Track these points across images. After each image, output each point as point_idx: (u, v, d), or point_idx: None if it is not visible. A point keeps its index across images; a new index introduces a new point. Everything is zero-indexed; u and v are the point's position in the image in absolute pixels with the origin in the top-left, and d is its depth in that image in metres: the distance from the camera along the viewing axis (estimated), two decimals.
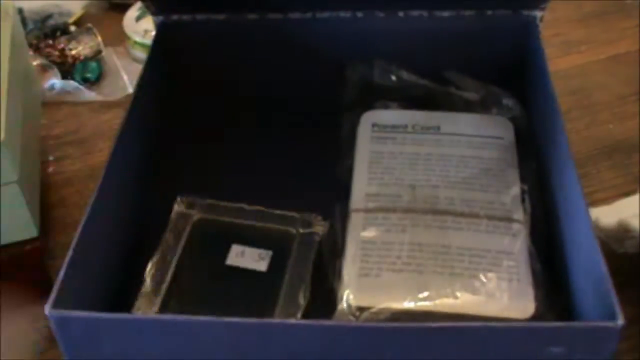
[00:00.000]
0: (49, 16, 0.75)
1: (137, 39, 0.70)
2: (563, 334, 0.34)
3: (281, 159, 0.54)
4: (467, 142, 0.49)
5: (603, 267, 0.36)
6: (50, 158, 0.62)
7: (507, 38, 0.53)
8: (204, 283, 0.46)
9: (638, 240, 0.49)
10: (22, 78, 0.56)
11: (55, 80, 0.68)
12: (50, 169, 0.61)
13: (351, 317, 0.40)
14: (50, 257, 0.53)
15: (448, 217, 0.44)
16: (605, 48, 0.72)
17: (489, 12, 0.52)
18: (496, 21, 0.53)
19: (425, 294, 0.40)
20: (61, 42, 0.71)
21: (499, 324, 0.37)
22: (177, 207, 0.49)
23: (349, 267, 0.42)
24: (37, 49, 0.71)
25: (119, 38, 0.72)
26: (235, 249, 0.46)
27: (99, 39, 0.72)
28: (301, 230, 0.47)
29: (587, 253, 0.38)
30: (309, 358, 0.36)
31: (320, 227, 0.47)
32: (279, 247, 0.46)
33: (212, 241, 0.47)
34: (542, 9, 0.52)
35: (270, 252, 0.46)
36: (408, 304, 0.40)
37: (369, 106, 0.51)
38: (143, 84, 0.50)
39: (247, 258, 0.46)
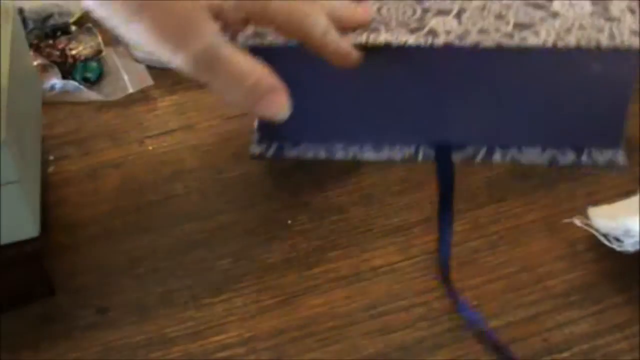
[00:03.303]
0: (49, 16, 0.75)
1: None
2: None
3: None
4: None
5: None
6: (50, 158, 0.62)
7: None
8: None
9: (638, 240, 0.49)
10: (23, 78, 0.56)
11: (55, 80, 0.68)
12: (50, 169, 0.61)
13: None
14: (50, 257, 0.53)
15: None
16: None
17: None
18: None
19: None
20: (61, 42, 0.71)
21: None
22: None
23: None
24: (37, 49, 0.70)
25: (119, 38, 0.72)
26: None
27: (99, 39, 0.72)
28: None
29: None
30: None
31: None
32: None
33: None
34: None
35: None
36: None
37: None
38: None
39: None
